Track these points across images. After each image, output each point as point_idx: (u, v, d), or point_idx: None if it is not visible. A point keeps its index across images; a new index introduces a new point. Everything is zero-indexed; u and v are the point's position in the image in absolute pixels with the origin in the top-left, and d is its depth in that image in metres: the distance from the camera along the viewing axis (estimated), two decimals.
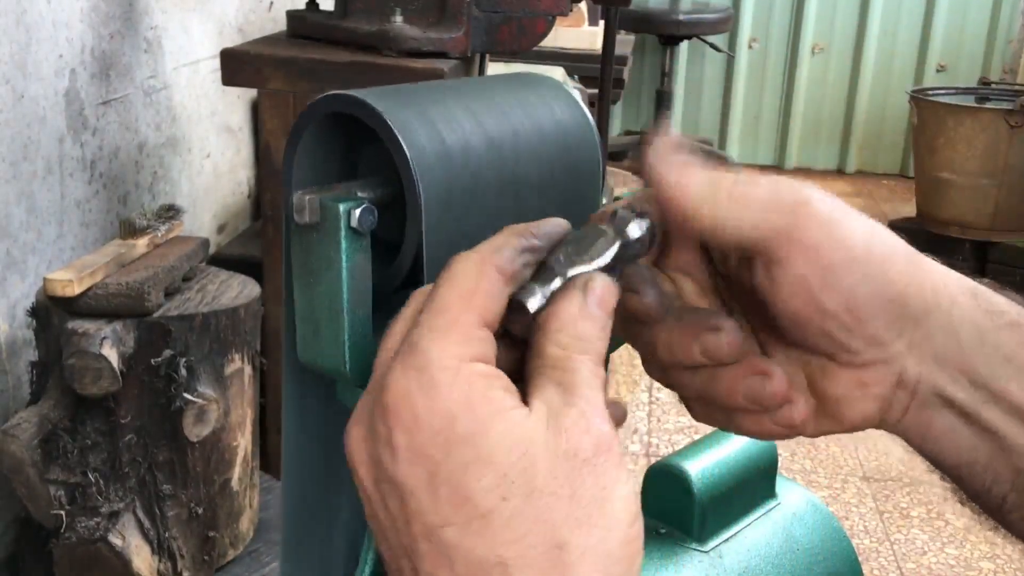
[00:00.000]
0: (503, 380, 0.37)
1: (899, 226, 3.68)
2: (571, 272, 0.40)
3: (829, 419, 0.45)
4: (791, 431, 0.45)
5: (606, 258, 0.41)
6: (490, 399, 0.36)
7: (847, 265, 0.41)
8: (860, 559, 0.94)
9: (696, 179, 0.43)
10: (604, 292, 0.40)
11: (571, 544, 0.34)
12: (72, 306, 1.21)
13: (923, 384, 0.43)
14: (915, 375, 0.43)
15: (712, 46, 4.54)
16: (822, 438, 0.49)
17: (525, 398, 0.37)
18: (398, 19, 1.54)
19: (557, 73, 2.77)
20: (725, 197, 0.42)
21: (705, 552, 0.87)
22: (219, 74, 1.62)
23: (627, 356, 2.76)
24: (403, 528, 0.35)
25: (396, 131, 0.43)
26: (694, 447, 0.69)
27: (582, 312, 0.39)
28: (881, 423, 0.45)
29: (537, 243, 0.41)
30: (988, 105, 3.56)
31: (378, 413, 0.36)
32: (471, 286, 0.38)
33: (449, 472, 0.34)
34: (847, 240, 0.42)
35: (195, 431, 1.27)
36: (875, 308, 0.42)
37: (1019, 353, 0.43)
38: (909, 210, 3.84)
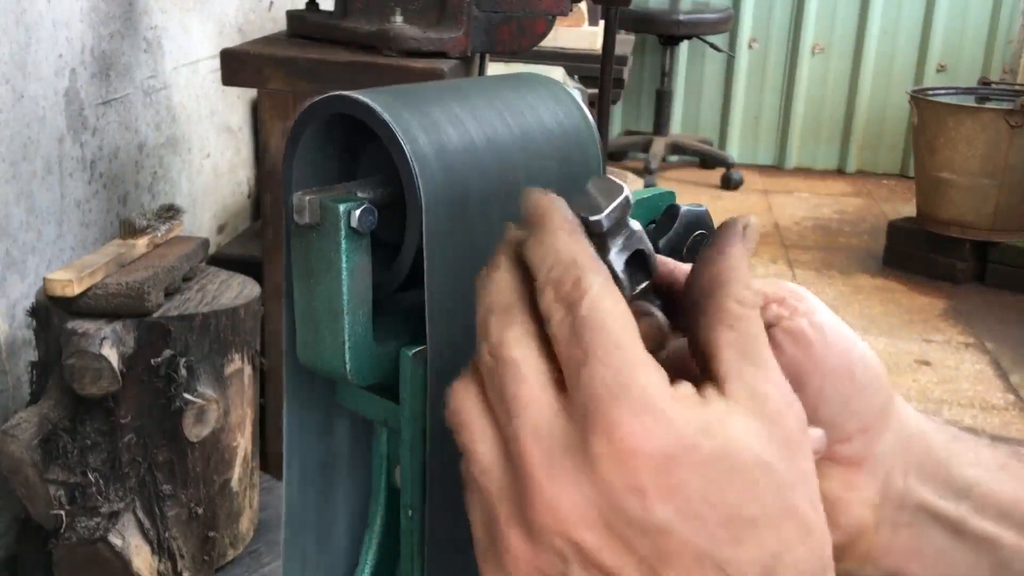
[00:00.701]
0: (688, 388, 0.36)
1: (899, 226, 3.68)
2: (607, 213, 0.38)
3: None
4: None
5: (625, 191, 0.39)
6: (708, 414, 0.35)
7: (845, 341, 0.43)
8: None
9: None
10: (752, 232, 0.39)
11: (812, 522, 0.35)
12: (72, 306, 1.21)
13: (908, 498, 0.43)
14: (900, 487, 0.43)
15: (712, 46, 4.54)
16: None
17: (696, 372, 0.37)
18: (398, 19, 1.54)
19: (557, 73, 2.77)
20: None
21: None
22: (219, 74, 1.62)
23: None
24: (659, 566, 0.34)
25: (396, 131, 0.43)
26: None
27: (746, 259, 0.38)
28: (872, 547, 0.44)
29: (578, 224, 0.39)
30: (988, 105, 3.56)
31: (609, 466, 0.34)
32: (621, 313, 0.36)
33: (704, 494, 0.34)
34: (841, 327, 0.43)
35: (195, 431, 1.27)
36: (868, 380, 0.42)
37: (982, 455, 0.44)
38: (909, 210, 3.84)
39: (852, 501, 0.43)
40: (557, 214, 0.38)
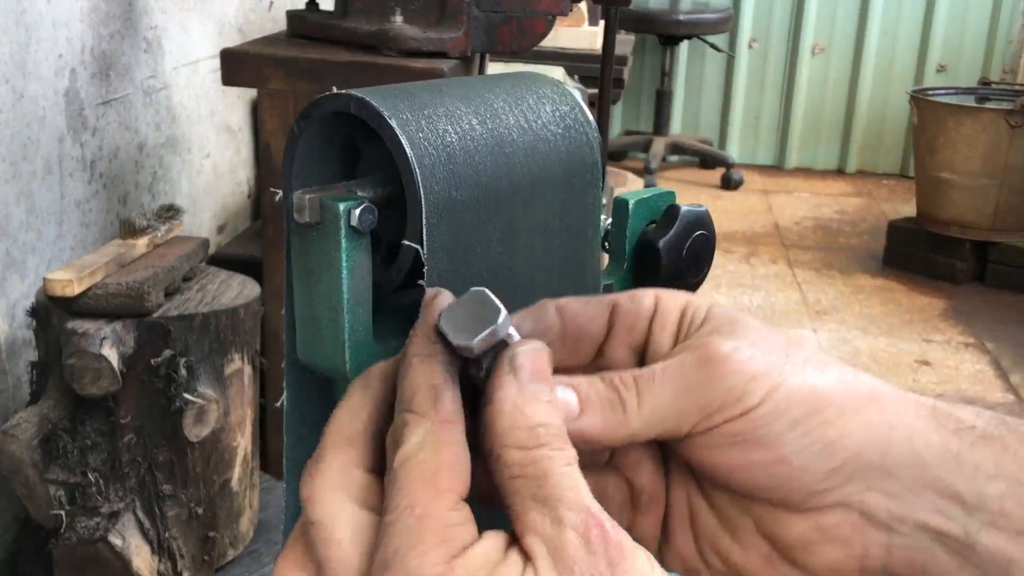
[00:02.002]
0: (490, 548, 0.34)
1: (899, 226, 3.68)
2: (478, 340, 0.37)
3: (791, 567, 0.41)
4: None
5: (500, 317, 0.38)
6: None
7: (776, 419, 0.39)
8: None
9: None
10: (534, 361, 0.38)
11: None
12: (72, 306, 1.21)
13: (900, 521, 0.39)
14: (884, 512, 0.40)
15: (712, 46, 4.54)
16: None
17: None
18: (398, 19, 1.54)
19: (557, 73, 2.77)
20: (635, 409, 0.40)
21: None
22: (219, 74, 1.62)
23: None
24: None
25: (397, 130, 0.43)
26: None
27: (522, 395, 0.37)
28: (864, 571, 0.40)
29: (446, 358, 0.38)
30: (988, 105, 3.56)
31: None
32: (431, 467, 0.35)
33: None
34: (774, 397, 0.39)
35: (195, 431, 1.27)
36: (806, 460, 0.39)
37: (1003, 466, 0.39)
38: (909, 210, 3.84)
39: (820, 542, 0.40)
40: (418, 337, 0.38)
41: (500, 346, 0.38)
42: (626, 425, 0.40)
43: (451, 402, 0.37)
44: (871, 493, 0.39)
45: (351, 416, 0.39)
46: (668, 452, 0.43)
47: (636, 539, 0.35)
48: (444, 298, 0.39)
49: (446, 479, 0.35)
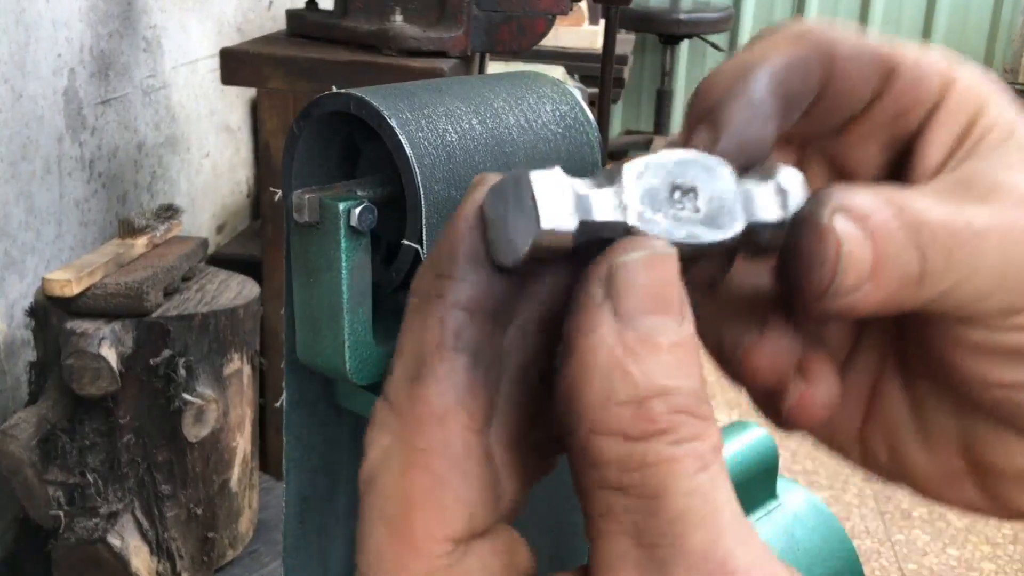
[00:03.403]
0: None
1: None
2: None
3: (988, 498, 0.30)
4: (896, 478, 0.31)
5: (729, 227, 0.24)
6: None
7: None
8: (861, 560, 0.93)
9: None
10: (649, 279, 0.22)
11: None
12: (71, 306, 1.21)
13: None
14: None
15: (713, 45, 4.54)
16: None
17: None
18: (398, 18, 1.54)
19: (557, 72, 2.77)
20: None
21: None
22: (218, 73, 1.62)
23: None
24: None
25: (396, 129, 0.43)
26: None
27: (624, 341, 0.22)
28: None
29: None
30: None
31: None
32: (396, 505, 0.22)
33: None
34: None
35: (194, 431, 1.26)
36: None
37: None
38: None
39: None
40: (434, 254, 0.24)
41: (603, 242, 0.23)
42: (913, 303, 0.25)
43: (449, 379, 0.22)
44: None
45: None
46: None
47: None
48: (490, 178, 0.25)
49: (422, 524, 0.22)
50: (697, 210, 0.24)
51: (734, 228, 0.24)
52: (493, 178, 0.25)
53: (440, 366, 0.22)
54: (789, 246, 0.25)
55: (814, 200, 0.25)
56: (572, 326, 0.22)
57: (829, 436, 0.32)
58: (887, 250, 0.24)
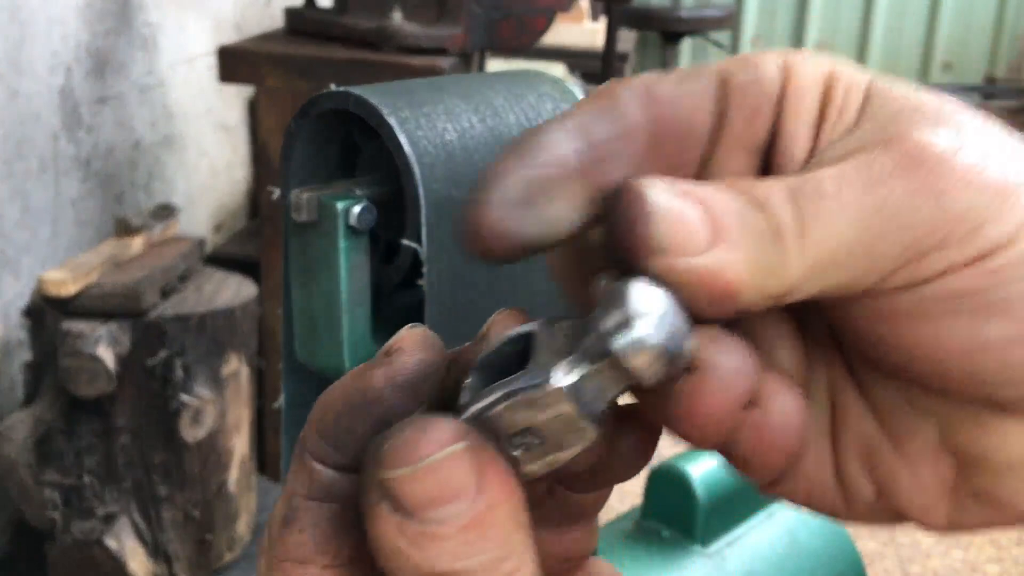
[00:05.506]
0: None
1: None
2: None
3: (987, 505, 0.27)
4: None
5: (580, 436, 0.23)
6: None
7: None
8: (864, 562, 0.93)
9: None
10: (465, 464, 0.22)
11: None
12: (67, 306, 1.20)
13: None
14: None
15: (715, 43, 4.54)
16: None
17: None
18: (397, 16, 1.53)
19: (558, 70, 2.76)
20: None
21: (708, 555, 0.86)
22: (215, 71, 1.61)
23: None
24: None
25: (396, 128, 0.42)
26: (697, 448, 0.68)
27: (419, 536, 0.22)
28: None
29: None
30: (994, 103, 3.56)
31: None
32: None
33: None
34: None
35: (191, 433, 1.26)
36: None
37: None
38: None
39: None
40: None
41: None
42: (784, 269, 0.24)
43: (312, 529, 0.24)
44: None
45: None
46: (804, 321, 0.28)
47: None
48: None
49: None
50: (542, 440, 0.23)
51: (586, 437, 0.23)
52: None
53: (305, 515, 0.24)
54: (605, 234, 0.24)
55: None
56: (361, 507, 0.23)
57: (808, 491, 0.29)
58: (722, 208, 0.24)
